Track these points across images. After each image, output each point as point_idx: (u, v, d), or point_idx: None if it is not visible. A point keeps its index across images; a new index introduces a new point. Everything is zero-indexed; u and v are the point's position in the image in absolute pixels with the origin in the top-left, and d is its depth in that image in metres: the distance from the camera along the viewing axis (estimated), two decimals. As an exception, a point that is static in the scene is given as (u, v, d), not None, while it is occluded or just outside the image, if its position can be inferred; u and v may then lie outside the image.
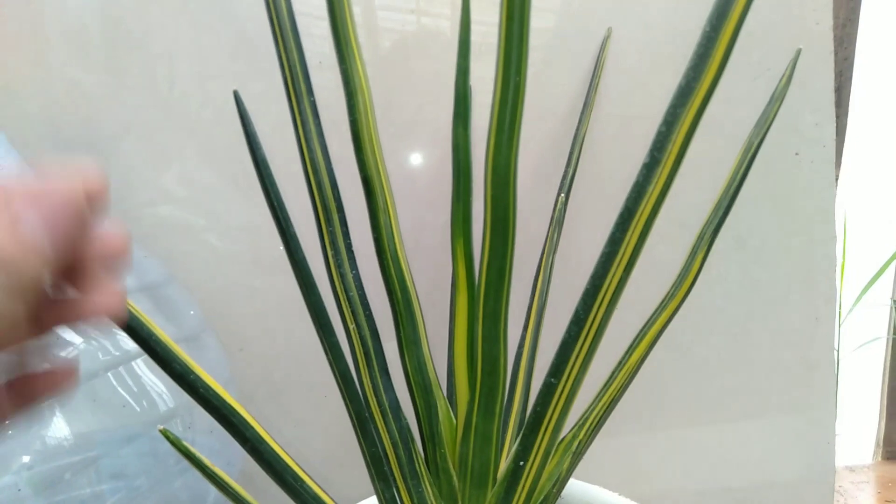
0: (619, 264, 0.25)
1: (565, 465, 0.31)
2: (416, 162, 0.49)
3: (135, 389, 0.36)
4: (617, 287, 0.26)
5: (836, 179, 0.53)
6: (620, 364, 0.31)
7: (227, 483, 0.27)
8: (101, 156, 0.47)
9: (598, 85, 0.48)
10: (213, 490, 0.41)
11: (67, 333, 0.34)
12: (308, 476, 0.29)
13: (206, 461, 0.27)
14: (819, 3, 0.48)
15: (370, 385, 0.30)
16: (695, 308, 0.54)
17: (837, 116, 0.52)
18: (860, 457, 0.91)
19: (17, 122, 0.40)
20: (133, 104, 0.46)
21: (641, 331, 0.31)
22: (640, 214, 0.25)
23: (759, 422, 0.56)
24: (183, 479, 0.39)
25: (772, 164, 0.51)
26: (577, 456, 0.31)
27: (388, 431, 0.30)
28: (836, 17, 0.49)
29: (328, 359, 0.30)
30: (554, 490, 0.31)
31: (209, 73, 0.46)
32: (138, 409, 0.35)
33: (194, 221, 0.48)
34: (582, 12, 0.48)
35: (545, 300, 0.40)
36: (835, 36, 0.50)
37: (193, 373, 0.26)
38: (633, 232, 0.25)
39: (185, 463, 0.39)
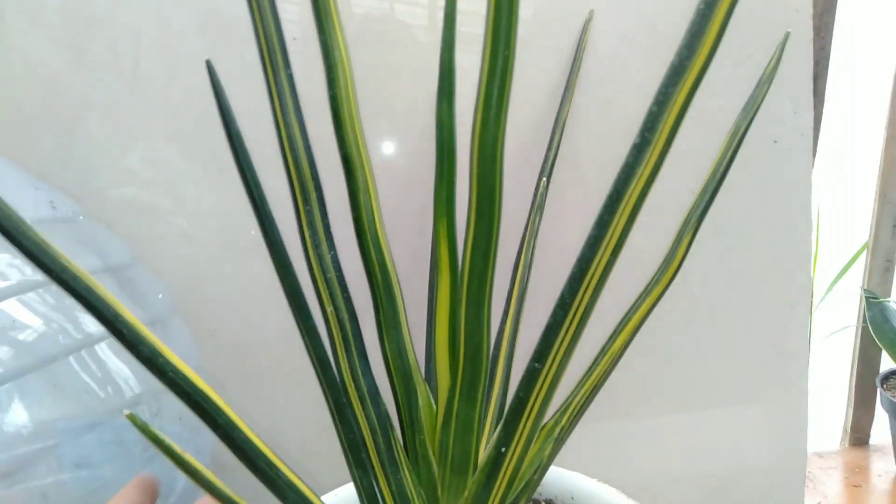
0: (606, 247, 0.25)
1: (547, 452, 0.31)
2: (391, 147, 0.48)
3: (98, 375, 0.34)
4: (604, 271, 0.26)
5: (812, 169, 0.53)
6: (604, 350, 0.30)
7: (197, 470, 0.25)
8: (62, 134, 0.45)
9: (579, 68, 0.47)
10: (181, 479, 0.40)
11: (25, 316, 0.32)
12: (283, 463, 0.28)
13: (176, 447, 0.26)
14: (799, -9, 0.46)
15: (348, 370, 0.29)
16: (670, 295, 0.53)
17: (814, 106, 0.51)
18: (828, 443, 0.93)
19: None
20: (96, 80, 0.45)
21: (625, 316, 0.30)
22: (630, 196, 0.24)
23: (733, 408, 0.57)
24: (150, 467, 0.38)
25: (750, 151, 0.51)
26: (559, 442, 0.31)
27: (367, 417, 0.30)
28: (814, 6, 0.49)
29: (305, 343, 0.29)
30: (535, 477, 0.31)
31: (176, 49, 0.44)
32: (102, 395, 0.34)
33: (161, 204, 0.46)
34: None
35: (526, 286, 0.39)
36: (812, 25, 0.49)
37: (162, 356, 0.25)
38: (621, 215, 0.24)
39: (152, 451, 0.38)
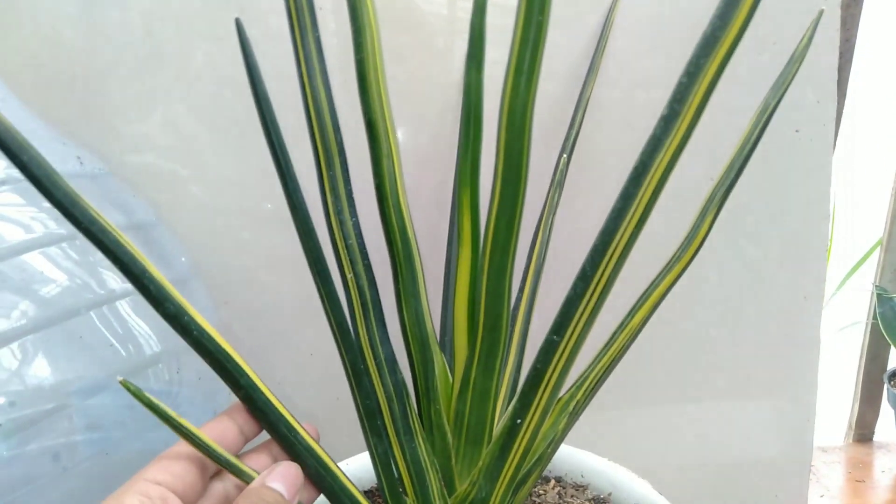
0: (630, 220, 0.25)
1: (561, 426, 0.31)
2: (411, 120, 0.47)
3: (119, 332, 0.34)
4: (627, 244, 0.25)
5: (832, 160, 0.53)
6: (622, 325, 0.30)
7: (193, 434, 0.25)
8: (86, 96, 0.45)
9: (605, 47, 0.47)
10: None
11: (49, 270, 0.32)
12: (301, 427, 0.28)
13: (171, 412, 0.25)
14: (827, -19, 0.46)
15: (366, 337, 0.29)
16: (685, 282, 0.53)
17: (837, 97, 0.51)
18: (832, 438, 0.93)
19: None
20: (118, 43, 0.45)
21: (645, 292, 0.30)
22: (656, 169, 0.24)
23: (741, 398, 0.57)
24: (160, 432, 0.38)
25: (772, 140, 0.51)
26: (574, 417, 0.31)
27: (383, 385, 0.30)
28: None
29: (325, 308, 0.29)
30: (549, 450, 0.31)
31: (200, 15, 0.44)
32: (123, 352, 0.34)
33: (180, 171, 0.46)
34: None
35: (543, 260, 0.39)
36: (840, 16, 0.49)
37: (187, 314, 0.25)
38: (647, 187, 0.24)
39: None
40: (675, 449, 0.58)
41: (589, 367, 0.31)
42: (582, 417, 0.56)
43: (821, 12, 0.32)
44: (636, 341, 0.51)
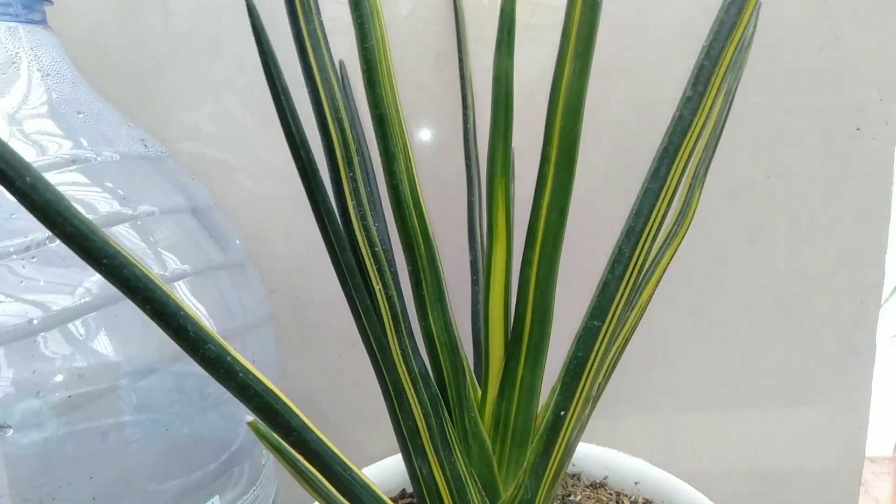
0: (664, 198, 0.24)
1: (587, 412, 0.30)
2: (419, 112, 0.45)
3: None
4: (661, 222, 0.25)
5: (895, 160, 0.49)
6: (632, 305, 0.29)
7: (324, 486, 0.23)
8: (144, 83, 0.47)
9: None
10: (242, 431, 0.39)
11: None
12: (354, 466, 0.25)
13: (299, 457, 0.23)
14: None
15: (398, 351, 0.27)
16: (739, 285, 0.53)
17: None
18: (882, 448, 0.86)
19: (64, 42, 0.38)
20: (181, 32, 0.45)
21: (647, 271, 0.30)
22: (685, 147, 0.23)
23: (792, 404, 0.55)
24: (208, 416, 0.37)
25: (832, 139, 0.49)
26: (595, 401, 0.30)
27: (420, 401, 0.28)
28: None
29: (359, 325, 0.26)
30: (576, 439, 0.30)
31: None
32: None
33: (228, 160, 0.47)
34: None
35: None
36: None
37: (230, 355, 0.21)
38: (677, 165, 0.24)
39: (209, 401, 0.37)
40: (723, 455, 0.57)
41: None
42: (630, 422, 0.53)
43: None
44: (686, 342, 0.48)
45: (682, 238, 0.30)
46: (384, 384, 0.27)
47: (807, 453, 0.57)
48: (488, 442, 0.29)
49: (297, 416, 0.23)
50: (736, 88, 0.31)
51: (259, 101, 0.48)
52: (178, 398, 0.35)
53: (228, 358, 0.21)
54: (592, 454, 0.40)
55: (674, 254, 0.30)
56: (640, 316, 0.31)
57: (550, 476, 0.29)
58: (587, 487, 0.38)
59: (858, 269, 0.52)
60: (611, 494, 0.37)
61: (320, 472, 0.24)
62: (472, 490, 0.29)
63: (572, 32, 0.22)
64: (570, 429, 0.28)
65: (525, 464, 0.29)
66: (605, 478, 0.39)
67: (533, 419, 0.29)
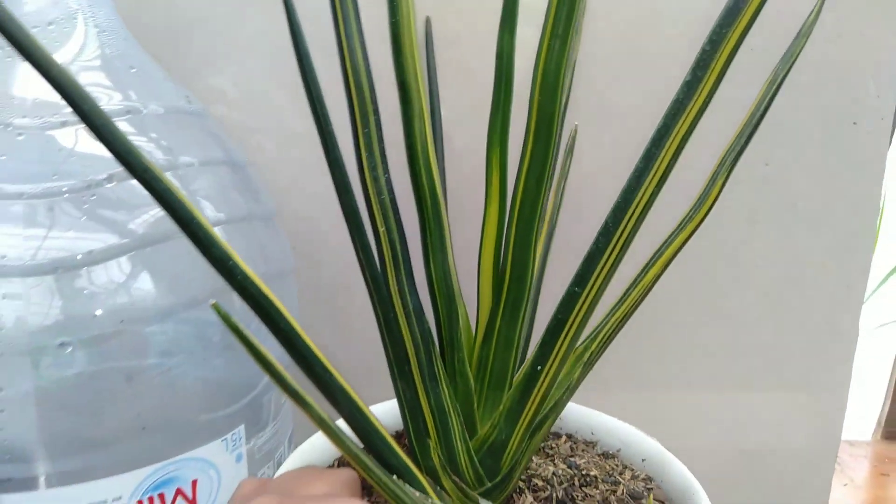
0: (652, 179, 0.26)
1: (576, 375, 0.32)
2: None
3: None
4: (648, 202, 0.27)
5: (888, 153, 0.53)
6: (636, 281, 0.32)
7: (271, 364, 0.26)
8: (175, 44, 0.49)
9: (584, 7, 0.46)
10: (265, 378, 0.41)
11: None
12: (336, 371, 0.29)
13: (255, 340, 0.26)
14: (897, -29, 0.49)
15: (396, 288, 0.31)
16: (733, 267, 0.56)
17: None
18: (861, 433, 0.89)
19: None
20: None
21: (658, 250, 0.32)
22: (677, 131, 0.26)
23: (777, 386, 0.57)
24: (226, 371, 0.39)
25: (830, 130, 0.51)
26: (588, 367, 0.33)
27: (411, 334, 0.31)
28: None
29: (359, 260, 0.31)
30: (564, 397, 0.32)
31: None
32: (205, 279, 0.35)
33: (248, 122, 0.50)
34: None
35: (555, 223, 0.41)
36: None
37: (232, 259, 0.25)
38: (668, 148, 0.26)
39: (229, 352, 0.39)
40: (709, 432, 0.60)
41: (603, 320, 0.33)
42: (623, 396, 0.56)
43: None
44: (678, 319, 0.51)
45: (699, 223, 0.31)
46: (377, 315, 0.31)
47: (787, 434, 0.58)
48: (472, 381, 0.32)
49: (288, 321, 0.27)
50: (784, 78, 0.31)
51: (284, 68, 0.48)
52: (199, 343, 0.36)
53: (230, 262, 0.25)
54: (612, 427, 0.41)
55: (688, 238, 0.31)
56: (644, 295, 0.32)
57: (525, 424, 0.32)
58: (598, 455, 0.40)
59: (847, 256, 0.53)
60: (616, 465, 0.39)
61: (304, 371, 0.28)
62: (455, 420, 0.32)
63: (552, 13, 0.24)
64: (545, 383, 0.30)
65: (501, 407, 0.32)
66: (618, 451, 0.41)
67: (508, 368, 0.32)
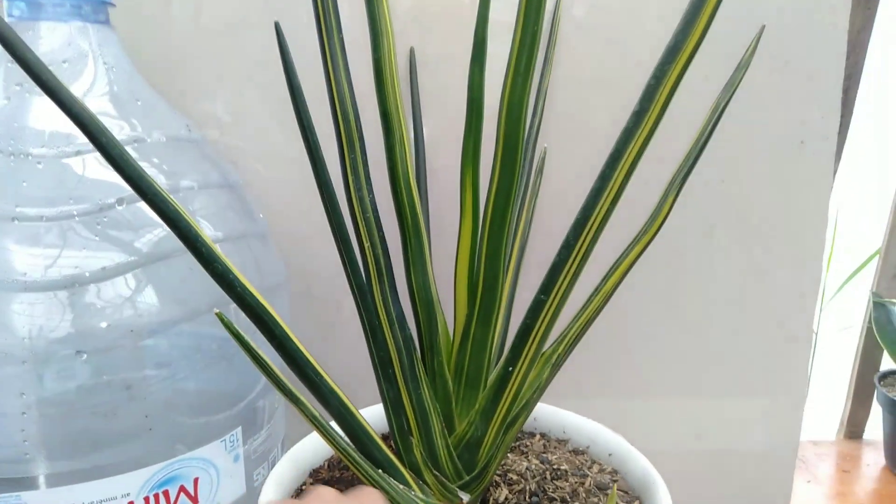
0: (607, 197, 0.29)
1: (545, 376, 0.35)
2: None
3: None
4: (604, 217, 0.30)
5: (835, 172, 0.58)
6: (597, 290, 0.35)
7: (270, 368, 0.29)
8: (174, 75, 0.51)
9: (556, 41, 0.50)
10: (262, 382, 0.43)
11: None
12: (326, 374, 0.31)
13: (254, 345, 0.29)
14: (838, 7, 0.52)
15: (380, 297, 0.34)
16: (693, 276, 0.59)
17: (842, 115, 0.56)
18: (825, 434, 0.93)
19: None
20: (201, 28, 0.51)
21: (616, 262, 0.34)
22: (628, 155, 0.27)
23: (737, 391, 0.60)
24: (227, 376, 0.41)
25: (779, 150, 0.55)
26: (556, 368, 0.35)
27: (394, 339, 0.34)
28: (851, 23, 0.52)
29: (346, 272, 0.33)
30: (534, 396, 0.35)
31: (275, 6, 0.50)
32: (205, 293, 0.37)
33: (242, 146, 0.52)
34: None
35: (527, 238, 0.44)
36: (848, 41, 0.53)
37: (232, 273, 0.28)
38: (621, 170, 0.29)
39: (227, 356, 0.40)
40: (674, 437, 0.62)
41: (569, 326, 0.36)
42: (595, 403, 0.59)
43: (762, 27, 0.34)
44: (643, 327, 0.53)
45: (653, 236, 0.33)
46: (363, 322, 0.33)
47: (749, 436, 0.61)
48: (450, 383, 0.35)
49: (282, 327, 0.30)
50: (725, 105, 0.33)
51: (268, 94, 0.51)
52: (197, 355, 0.39)
53: (230, 276, 0.28)
54: (582, 426, 0.44)
55: (643, 250, 0.33)
56: (605, 302, 0.35)
57: (499, 421, 0.34)
58: (569, 452, 0.43)
59: (800, 266, 0.56)
60: (586, 461, 0.42)
61: (297, 374, 0.31)
62: (435, 419, 0.35)
63: (514, 53, 0.27)
64: (517, 383, 0.33)
65: (477, 406, 0.35)
66: (588, 447, 0.43)
67: (483, 369, 0.35)
